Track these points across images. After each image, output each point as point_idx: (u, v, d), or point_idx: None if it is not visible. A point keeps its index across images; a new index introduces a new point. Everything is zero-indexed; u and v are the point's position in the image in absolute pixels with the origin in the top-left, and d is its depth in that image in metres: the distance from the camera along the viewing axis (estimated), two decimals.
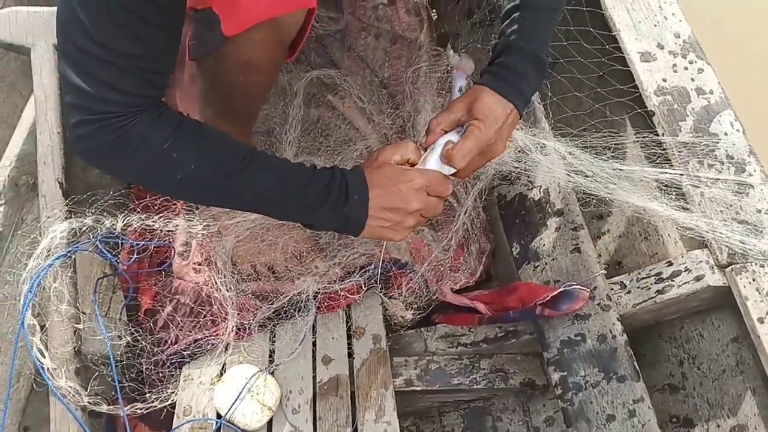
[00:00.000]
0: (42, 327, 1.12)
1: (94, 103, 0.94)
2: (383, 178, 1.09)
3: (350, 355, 1.43)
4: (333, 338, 1.45)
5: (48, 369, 1.09)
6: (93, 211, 1.23)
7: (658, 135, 1.36)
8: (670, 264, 1.29)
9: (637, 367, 1.26)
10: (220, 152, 1.03)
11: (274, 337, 1.45)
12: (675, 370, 1.37)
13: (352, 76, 1.70)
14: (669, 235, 1.40)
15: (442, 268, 1.52)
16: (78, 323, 1.16)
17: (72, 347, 1.14)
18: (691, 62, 1.42)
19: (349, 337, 1.45)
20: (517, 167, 1.43)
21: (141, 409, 1.22)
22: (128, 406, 1.18)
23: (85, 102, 0.94)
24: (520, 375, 1.48)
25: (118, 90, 0.94)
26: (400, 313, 1.48)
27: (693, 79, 1.40)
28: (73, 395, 1.10)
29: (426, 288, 1.48)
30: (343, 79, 1.70)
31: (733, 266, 1.22)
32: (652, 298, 1.29)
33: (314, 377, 1.39)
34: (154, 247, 1.44)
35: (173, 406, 1.32)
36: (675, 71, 1.41)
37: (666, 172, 1.29)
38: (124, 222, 1.29)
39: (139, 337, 1.32)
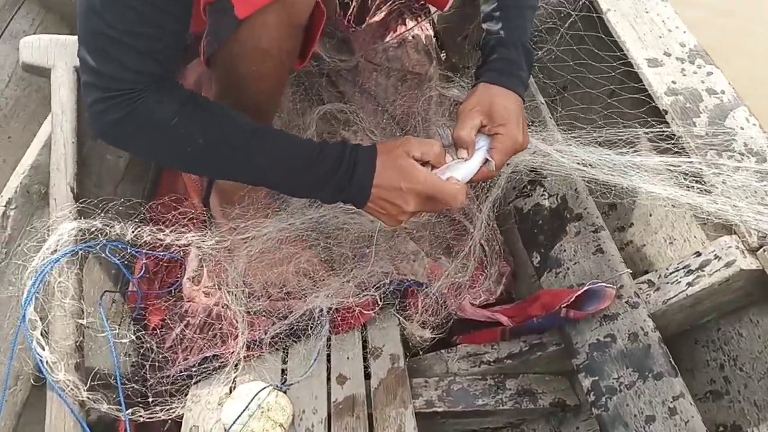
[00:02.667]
0: (45, 324, 1.08)
1: (106, 81, 1.00)
2: (393, 171, 1.10)
3: (367, 375, 1.36)
4: (348, 358, 1.38)
5: (47, 362, 1.03)
6: (104, 215, 1.21)
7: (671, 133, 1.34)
8: (698, 255, 1.23)
9: (674, 363, 1.17)
10: (227, 126, 1.06)
11: (287, 357, 1.38)
12: (716, 375, 1.27)
13: (363, 112, 1.73)
14: (695, 237, 1.35)
15: (460, 286, 1.46)
16: (81, 319, 1.11)
17: (74, 342, 1.09)
18: (699, 66, 1.42)
19: (365, 357, 1.38)
20: (531, 173, 1.42)
21: (143, 415, 1.14)
22: (130, 410, 1.11)
23: (98, 80, 1.01)
24: (549, 395, 1.39)
25: (126, 68, 1.00)
26: (418, 333, 1.41)
27: (703, 81, 1.40)
28: (71, 389, 1.03)
29: (443, 305, 1.42)
30: (356, 113, 1.72)
31: (765, 248, 1.16)
32: (683, 291, 1.22)
33: (329, 397, 1.31)
34: (165, 265, 1.42)
35: (178, 420, 1.24)
36: (684, 74, 1.41)
37: (686, 161, 1.25)
38: (135, 231, 1.27)
39: (145, 350, 1.27)
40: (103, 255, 1.18)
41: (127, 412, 1.10)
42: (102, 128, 1.03)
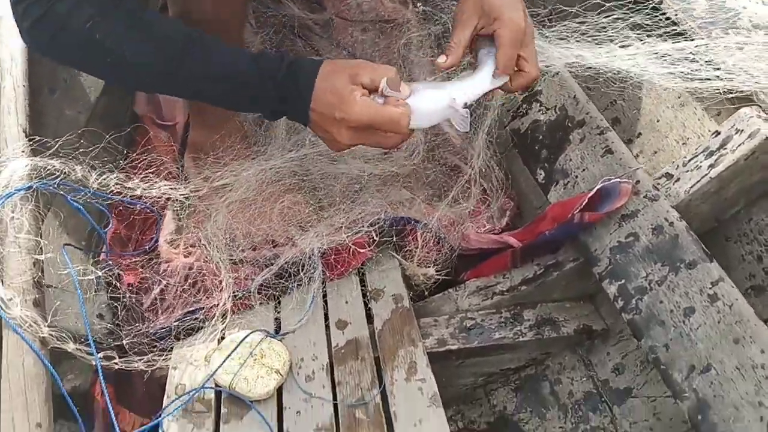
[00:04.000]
0: None
1: None
2: (331, 96, 0.93)
3: (369, 319, 1.23)
4: (346, 302, 1.25)
5: (1, 298, 0.90)
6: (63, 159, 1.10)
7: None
8: (717, 134, 1.12)
9: (706, 249, 1.05)
10: (155, 34, 0.95)
11: (279, 306, 1.25)
12: (755, 269, 1.15)
13: None
14: (709, 131, 1.24)
15: (461, 221, 1.34)
16: (39, 254, 0.99)
17: (31, 278, 0.96)
18: None
19: (365, 301, 1.25)
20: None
21: (118, 362, 1.00)
22: (102, 353, 0.97)
23: None
24: (573, 322, 1.26)
25: None
26: (421, 272, 1.29)
27: None
28: (30, 325, 0.90)
29: (445, 239, 1.30)
30: None
31: None
32: (706, 175, 1.10)
33: (328, 343, 1.18)
34: (139, 221, 1.30)
35: (160, 379, 1.11)
36: None
37: (692, 44, 1.16)
38: (100, 178, 1.15)
39: (121, 307, 1.15)
40: (62, 194, 1.05)
41: (99, 355, 0.96)
42: (25, 32, 0.93)
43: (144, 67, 0.94)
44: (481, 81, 1.00)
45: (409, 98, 0.95)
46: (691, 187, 1.11)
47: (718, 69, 1.14)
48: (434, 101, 0.97)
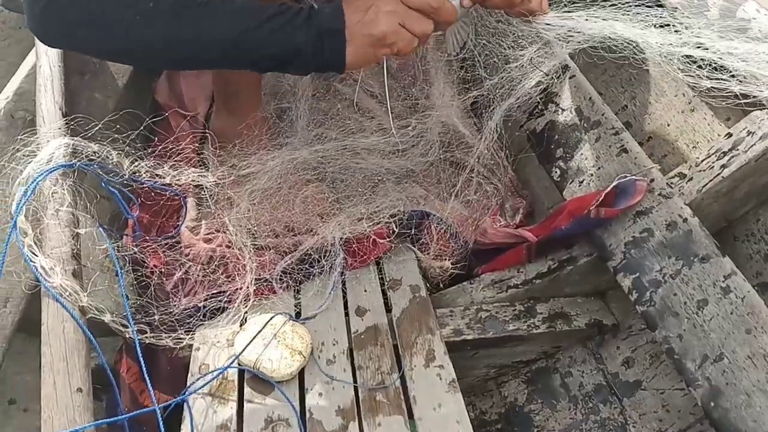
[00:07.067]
0: (37, 231, 0.97)
1: None
2: None
3: (387, 308, 1.25)
4: (365, 291, 1.28)
5: (41, 267, 0.92)
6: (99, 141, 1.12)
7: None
8: (730, 135, 1.17)
9: (718, 244, 1.09)
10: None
11: (299, 294, 1.27)
12: (762, 267, 1.19)
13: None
14: (719, 135, 1.29)
15: (476, 213, 1.39)
16: (77, 228, 1.01)
17: (70, 249, 0.98)
18: None
19: (383, 291, 1.28)
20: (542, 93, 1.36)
21: (149, 336, 1.03)
22: (136, 326, 1.00)
23: None
24: (584, 316, 1.30)
25: None
26: (437, 264, 1.32)
27: None
28: (70, 294, 0.92)
29: (459, 235, 1.34)
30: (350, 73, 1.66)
31: None
32: (719, 174, 1.15)
33: (348, 328, 1.21)
34: (163, 210, 1.33)
35: (184, 358, 1.13)
36: None
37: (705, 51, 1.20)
38: (133, 165, 1.17)
39: (147, 288, 1.17)
40: (101, 176, 1.08)
41: (134, 327, 0.98)
42: (41, 16, 0.89)
43: (160, 22, 0.89)
44: None
45: None
46: (704, 186, 1.16)
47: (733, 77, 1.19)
48: None
